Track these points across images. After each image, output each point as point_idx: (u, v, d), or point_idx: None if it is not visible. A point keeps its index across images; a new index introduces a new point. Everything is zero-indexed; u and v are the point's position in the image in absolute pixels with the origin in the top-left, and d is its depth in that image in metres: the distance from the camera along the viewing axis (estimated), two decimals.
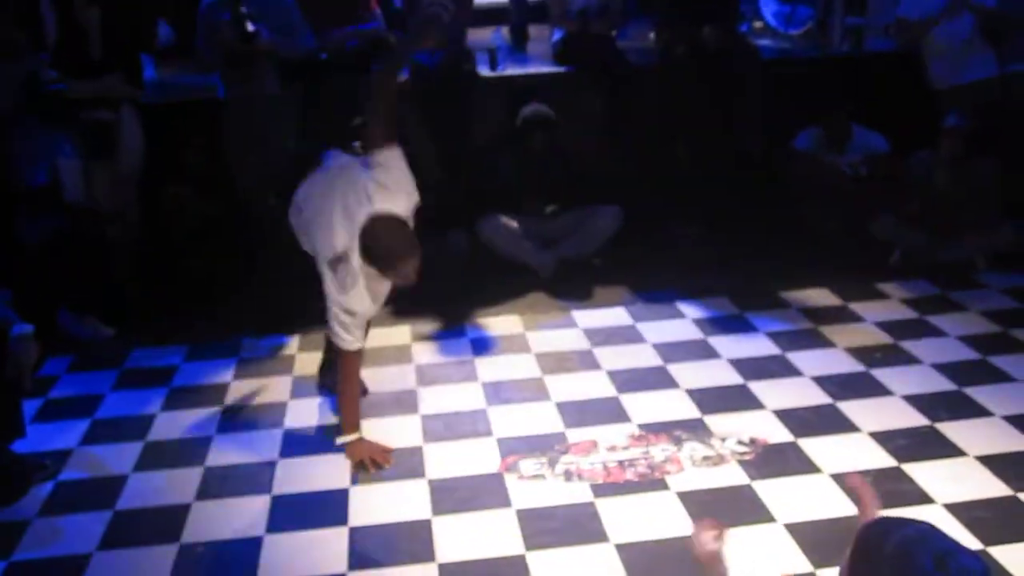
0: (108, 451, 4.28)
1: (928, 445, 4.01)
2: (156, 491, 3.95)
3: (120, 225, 5.68)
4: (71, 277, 5.33)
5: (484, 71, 6.73)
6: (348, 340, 3.96)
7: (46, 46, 5.55)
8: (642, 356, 4.97)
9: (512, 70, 6.99)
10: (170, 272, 5.87)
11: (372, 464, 4.00)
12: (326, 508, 3.78)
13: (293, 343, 5.27)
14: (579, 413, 4.40)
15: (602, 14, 6.77)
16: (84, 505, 3.87)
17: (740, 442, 4.09)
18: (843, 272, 5.85)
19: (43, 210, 5.36)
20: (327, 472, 4.03)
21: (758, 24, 8.07)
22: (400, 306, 5.56)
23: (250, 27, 5.48)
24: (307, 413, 4.53)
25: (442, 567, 3.40)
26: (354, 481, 3.93)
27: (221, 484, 3.98)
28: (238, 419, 4.51)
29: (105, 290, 5.55)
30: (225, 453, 4.22)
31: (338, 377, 4.10)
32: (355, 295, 3.89)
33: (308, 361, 5.03)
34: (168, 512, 3.80)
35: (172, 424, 4.51)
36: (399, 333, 5.34)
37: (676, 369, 4.79)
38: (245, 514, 3.76)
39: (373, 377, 4.82)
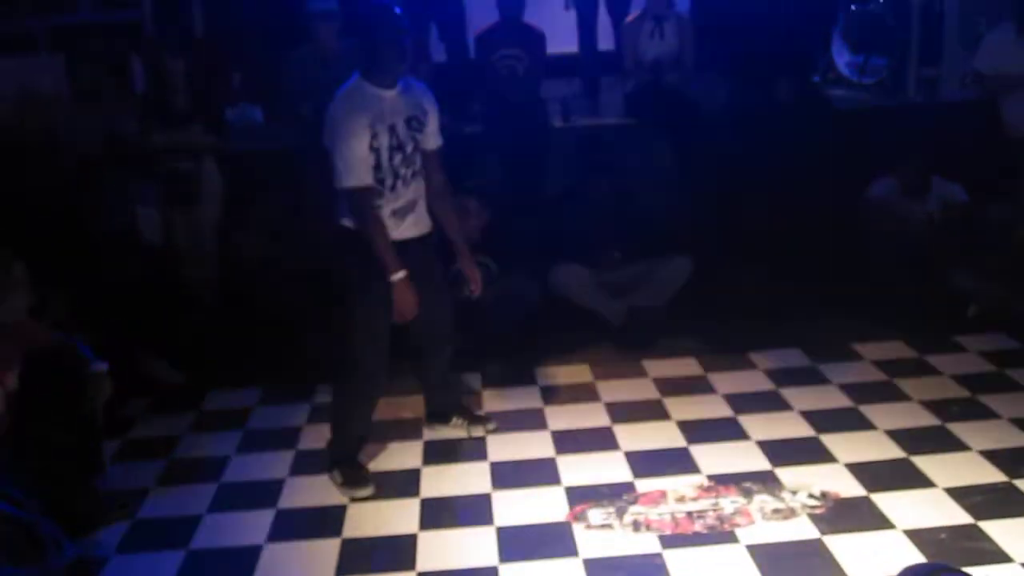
0: (184, 492, 4.37)
1: (1006, 502, 3.92)
2: (229, 531, 4.02)
3: (198, 270, 5.82)
4: (149, 321, 5.46)
5: (557, 122, 6.80)
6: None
7: (133, 96, 5.77)
8: (712, 407, 4.94)
9: (584, 121, 7.06)
10: (246, 317, 5.98)
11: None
12: (394, 553, 3.80)
13: None
14: (648, 463, 4.39)
15: (674, 66, 6.82)
16: (159, 544, 3.95)
17: (811, 495, 4.04)
18: (918, 324, 5.76)
19: (123, 255, 5.50)
20: (397, 516, 4.06)
21: (831, 74, 8.05)
22: (470, 354, 5.62)
23: None
24: (378, 459, 4.58)
25: None
26: None
27: (292, 526, 4.04)
28: (310, 462, 4.56)
29: (181, 334, 5.67)
30: (297, 496, 4.28)
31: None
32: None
33: (381, 407, 5.08)
34: (240, 553, 3.86)
35: (246, 466, 4.60)
36: (469, 381, 5.37)
37: (746, 420, 4.75)
38: (315, 556, 3.81)
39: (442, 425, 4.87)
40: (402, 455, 4.60)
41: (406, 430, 4.84)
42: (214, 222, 5.91)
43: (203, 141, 5.79)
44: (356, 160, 3.97)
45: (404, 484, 4.32)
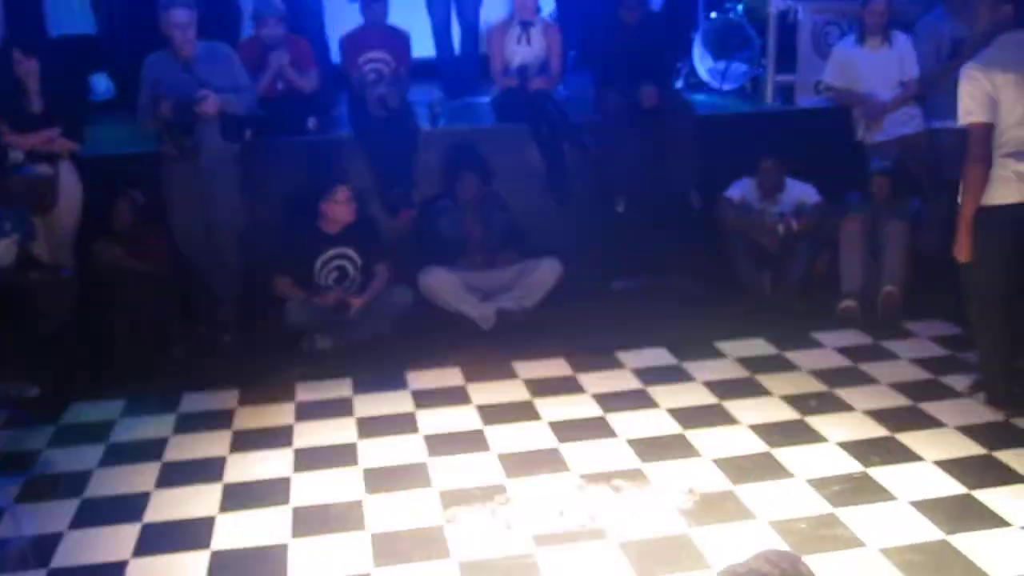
0: (44, 509, 4.21)
1: (861, 490, 4.10)
2: (92, 548, 3.89)
3: (54, 279, 5.61)
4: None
5: (424, 126, 6.80)
6: None
7: None
8: (582, 406, 5.02)
9: (452, 125, 7.07)
10: (105, 326, 5.80)
11: None
12: (265, 564, 3.75)
13: (232, 398, 5.24)
14: (520, 463, 4.42)
15: (541, 71, 6.90)
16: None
17: (679, 491, 4.14)
18: (777, 321, 5.97)
19: None
20: (267, 526, 4.00)
21: (693, 80, 8.26)
22: (341, 359, 5.59)
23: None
24: (246, 468, 4.50)
25: None
26: None
27: (159, 540, 3.93)
28: (177, 474, 4.46)
29: (35, 345, 5.46)
30: (163, 509, 4.17)
31: None
32: None
33: (247, 415, 5.02)
34: (104, 570, 3.75)
35: (109, 480, 4.45)
36: (340, 386, 5.34)
37: (615, 419, 4.84)
38: (183, 571, 3.72)
39: (313, 431, 4.83)
40: (270, 463, 4.54)
41: (272, 438, 4.78)
42: (73, 228, 5.72)
43: (60, 144, 5.60)
44: None
45: (274, 492, 4.26)
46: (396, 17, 6.94)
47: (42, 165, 5.50)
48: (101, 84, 7.61)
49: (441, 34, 7.82)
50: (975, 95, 4.34)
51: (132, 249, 5.77)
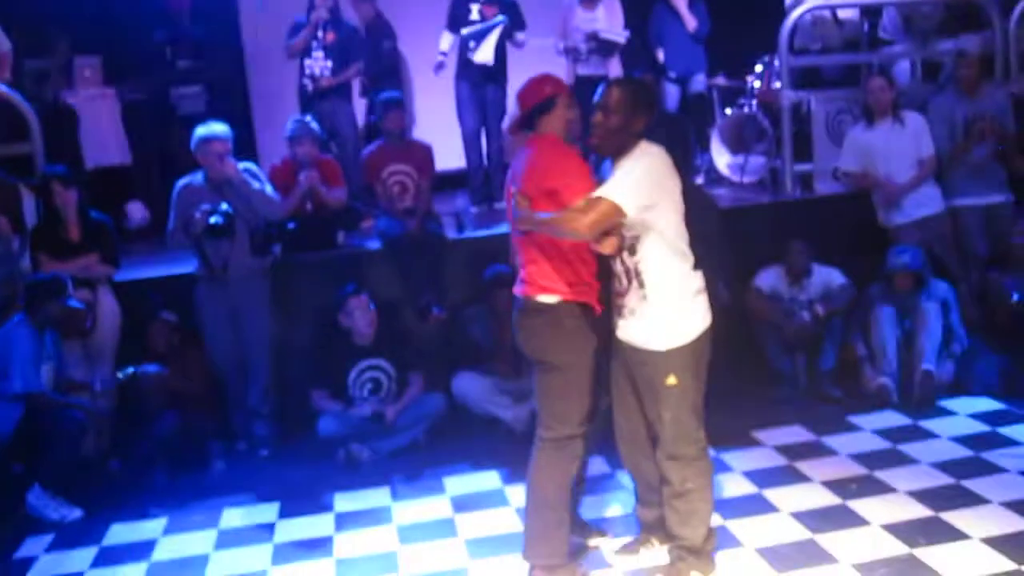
0: None
1: (909, 572, 4.04)
2: None
3: (93, 403, 5.69)
4: (41, 458, 5.31)
5: (452, 234, 6.92)
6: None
7: (24, 229, 5.73)
8: (619, 503, 4.99)
9: (479, 232, 7.18)
10: (144, 445, 5.85)
11: None
12: None
13: (273, 511, 5.25)
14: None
15: None
16: None
17: None
18: (813, 408, 5.94)
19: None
20: None
21: (713, 175, 8.37)
22: (378, 467, 5.61)
23: (218, 219, 5.64)
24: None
25: None
26: None
27: None
28: None
29: (77, 467, 5.51)
30: None
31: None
32: None
33: (288, 529, 5.03)
34: None
35: None
36: (378, 494, 5.34)
37: None
38: None
39: (353, 540, 4.82)
40: (312, 575, 4.53)
41: (313, 549, 4.78)
42: (112, 351, 5.84)
43: (98, 271, 5.77)
44: None
45: None
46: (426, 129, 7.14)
47: (81, 291, 5.63)
48: (137, 212, 7.82)
49: (470, 144, 7.99)
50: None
51: (173, 368, 5.88)
